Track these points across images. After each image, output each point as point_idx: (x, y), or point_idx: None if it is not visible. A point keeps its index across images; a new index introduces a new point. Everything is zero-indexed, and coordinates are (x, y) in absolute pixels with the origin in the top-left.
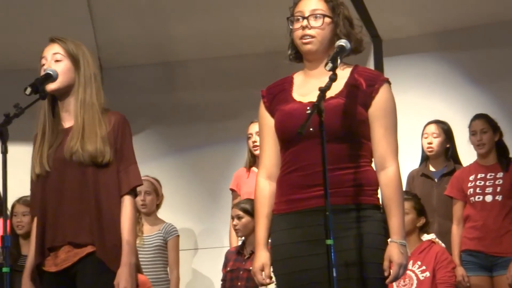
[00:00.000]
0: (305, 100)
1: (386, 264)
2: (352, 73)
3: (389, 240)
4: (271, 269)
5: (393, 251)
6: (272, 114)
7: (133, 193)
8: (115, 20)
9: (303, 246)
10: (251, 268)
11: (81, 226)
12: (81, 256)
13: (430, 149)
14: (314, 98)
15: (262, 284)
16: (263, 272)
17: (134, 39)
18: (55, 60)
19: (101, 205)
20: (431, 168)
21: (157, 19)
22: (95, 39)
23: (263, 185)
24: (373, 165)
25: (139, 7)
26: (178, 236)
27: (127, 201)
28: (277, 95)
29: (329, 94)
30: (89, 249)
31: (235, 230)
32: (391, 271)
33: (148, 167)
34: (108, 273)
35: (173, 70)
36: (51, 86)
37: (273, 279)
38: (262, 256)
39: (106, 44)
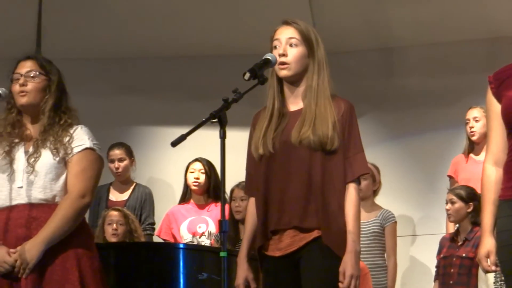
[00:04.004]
0: None
1: None
2: None
3: None
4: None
5: None
6: (499, 99)
7: (358, 181)
8: (333, 5)
9: None
10: (464, 255)
11: (307, 210)
12: (308, 241)
13: None
14: None
15: (488, 271)
16: (489, 259)
17: (353, 24)
18: (289, 45)
19: (326, 190)
20: None
21: (377, 3)
22: (313, 24)
23: (489, 171)
24: None
25: None
26: (396, 222)
27: (352, 188)
28: (505, 81)
29: None
30: (315, 234)
31: (447, 214)
32: None
33: (366, 153)
34: (333, 259)
35: (392, 56)
36: (284, 72)
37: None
38: (488, 243)
39: (324, 29)
